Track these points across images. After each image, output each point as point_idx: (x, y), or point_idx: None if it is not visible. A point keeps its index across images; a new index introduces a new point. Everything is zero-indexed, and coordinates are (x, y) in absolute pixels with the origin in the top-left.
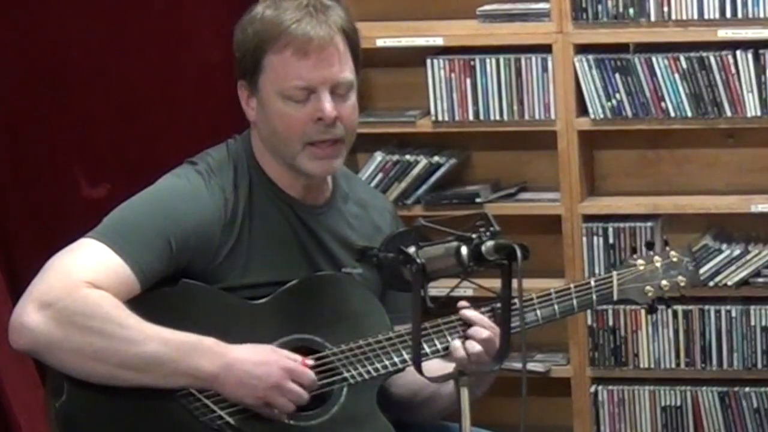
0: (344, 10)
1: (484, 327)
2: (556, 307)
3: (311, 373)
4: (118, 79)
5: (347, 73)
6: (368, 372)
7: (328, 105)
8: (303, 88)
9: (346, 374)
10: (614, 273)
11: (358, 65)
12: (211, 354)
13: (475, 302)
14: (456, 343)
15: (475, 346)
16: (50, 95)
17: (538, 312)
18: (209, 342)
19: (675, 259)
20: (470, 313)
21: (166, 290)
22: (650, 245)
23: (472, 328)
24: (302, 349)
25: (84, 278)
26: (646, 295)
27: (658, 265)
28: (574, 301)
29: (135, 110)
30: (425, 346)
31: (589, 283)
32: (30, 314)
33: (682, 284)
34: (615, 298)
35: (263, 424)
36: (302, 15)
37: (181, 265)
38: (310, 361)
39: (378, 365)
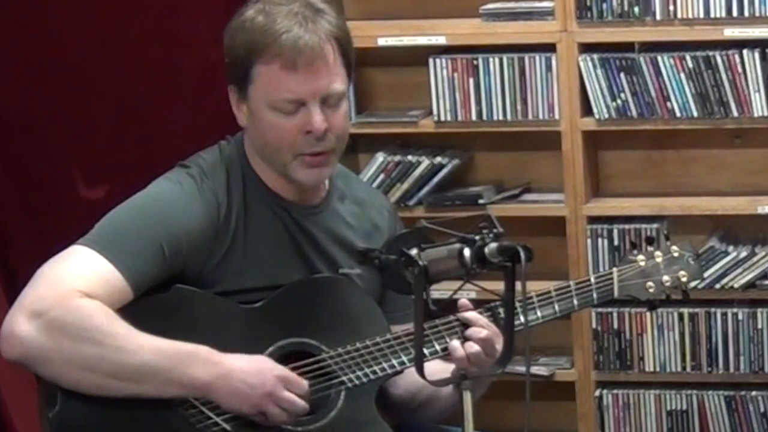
0: (337, 12)
1: (481, 327)
2: (556, 306)
3: (304, 382)
4: (116, 79)
5: (337, 84)
6: (366, 375)
7: (318, 118)
8: (292, 100)
9: (344, 377)
10: (615, 269)
11: (350, 71)
12: (205, 363)
13: (478, 304)
14: (455, 343)
15: (473, 347)
16: (48, 95)
17: (538, 311)
18: (203, 351)
19: (676, 254)
20: (468, 314)
21: (159, 296)
22: (651, 240)
23: (469, 329)
24: (298, 352)
25: (76, 287)
26: (648, 291)
27: (659, 260)
28: (575, 300)
29: (133, 110)
30: (424, 348)
31: (589, 280)
32: (21, 324)
33: (684, 279)
34: (616, 294)
35: (260, 430)
36: (292, 24)
37: (175, 270)
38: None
39: (376, 368)
